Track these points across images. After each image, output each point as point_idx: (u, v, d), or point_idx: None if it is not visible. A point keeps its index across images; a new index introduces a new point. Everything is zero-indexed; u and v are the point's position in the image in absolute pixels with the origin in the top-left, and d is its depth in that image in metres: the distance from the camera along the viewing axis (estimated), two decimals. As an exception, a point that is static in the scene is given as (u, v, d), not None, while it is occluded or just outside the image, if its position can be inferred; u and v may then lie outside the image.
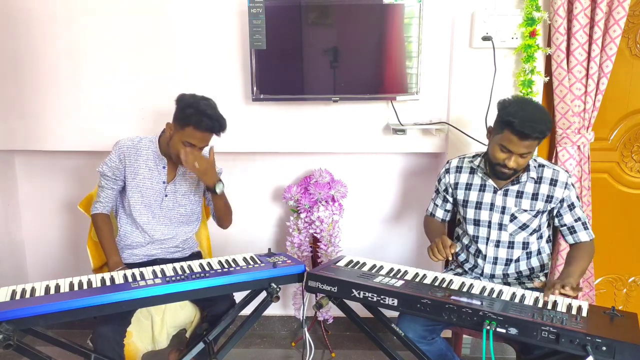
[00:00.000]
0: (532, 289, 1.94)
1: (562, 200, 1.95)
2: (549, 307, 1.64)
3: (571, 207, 1.96)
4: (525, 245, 2.00)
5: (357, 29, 2.35)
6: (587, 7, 2.22)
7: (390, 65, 2.39)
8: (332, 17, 2.34)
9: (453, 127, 2.44)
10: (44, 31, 2.45)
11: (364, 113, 2.52)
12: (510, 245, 2.00)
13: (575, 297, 1.71)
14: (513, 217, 1.97)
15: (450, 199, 2.13)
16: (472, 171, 2.05)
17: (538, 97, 2.36)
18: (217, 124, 1.97)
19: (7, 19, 2.45)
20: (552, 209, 1.97)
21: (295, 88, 2.42)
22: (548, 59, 2.34)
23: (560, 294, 1.69)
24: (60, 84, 2.51)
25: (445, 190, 2.12)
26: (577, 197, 1.97)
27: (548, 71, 2.35)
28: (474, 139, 2.41)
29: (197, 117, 1.93)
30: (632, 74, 2.45)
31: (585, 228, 1.98)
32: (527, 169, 1.95)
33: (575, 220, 1.97)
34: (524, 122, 1.75)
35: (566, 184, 1.94)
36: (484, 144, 2.36)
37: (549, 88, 2.37)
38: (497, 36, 2.32)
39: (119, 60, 2.48)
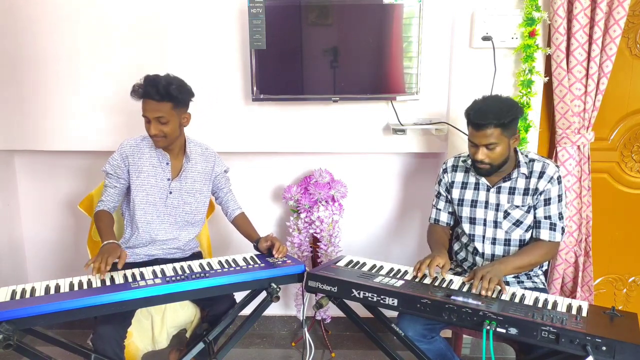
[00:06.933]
0: (532, 288, 1.94)
1: (541, 193, 1.92)
2: (549, 307, 1.64)
3: (547, 202, 1.92)
4: (522, 242, 1.99)
5: (357, 29, 2.35)
6: (587, 7, 2.22)
7: (390, 65, 2.39)
8: (332, 17, 2.34)
9: (453, 127, 2.44)
10: (44, 31, 2.45)
11: (363, 113, 2.52)
12: (507, 242, 1.99)
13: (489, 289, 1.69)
14: (506, 214, 1.97)
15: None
16: (467, 170, 2.06)
17: (538, 97, 2.37)
18: (151, 89, 1.87)
19: (7, 20, 2.45)
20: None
21: (295, 88, 2.41)
22: (548, 59, 2.34)
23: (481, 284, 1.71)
24: (60, 84, 2.51)
25: (447, 190, 2.11)
26: (560, 196, 1.93)
27: (548, 71, 2.35)
28: (474, 139, 2.41)
29: (138, 86, 1.92)
30: (632, 74, 2.45)
31: (552, 229, 1.92)
32: (517, 164, 1.95)
33: (545, 217, 1.93)
34: (476, 113, 1.84)
35: (551, 177, 1.91)
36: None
37: (548, 88, 2.37)
38: (497, 36, 2.32)
39: (119, 61, 2.48)
